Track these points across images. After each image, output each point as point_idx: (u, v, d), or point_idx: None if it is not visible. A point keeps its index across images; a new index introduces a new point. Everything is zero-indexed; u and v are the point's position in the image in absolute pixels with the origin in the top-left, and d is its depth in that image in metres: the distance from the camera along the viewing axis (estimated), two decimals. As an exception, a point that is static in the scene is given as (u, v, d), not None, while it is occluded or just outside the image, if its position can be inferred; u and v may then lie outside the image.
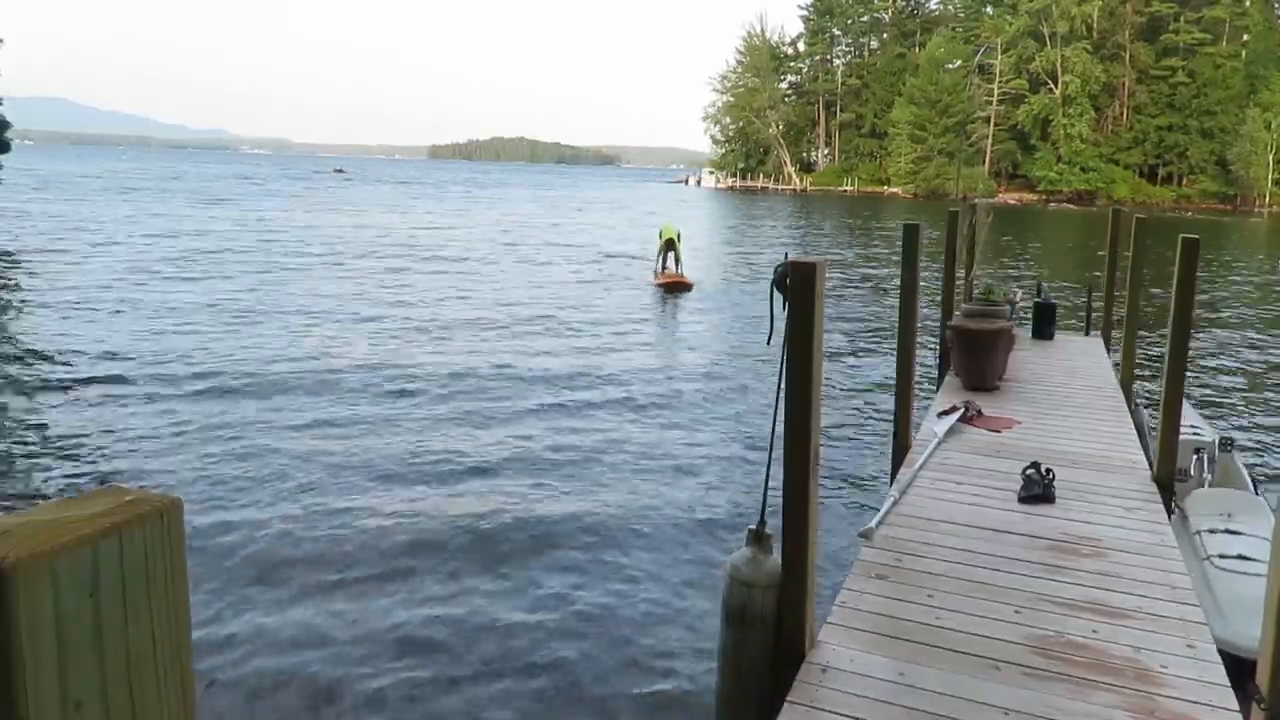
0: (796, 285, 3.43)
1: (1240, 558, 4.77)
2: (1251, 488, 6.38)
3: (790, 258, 3.49)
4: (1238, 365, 13.79)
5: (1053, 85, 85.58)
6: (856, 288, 21.55)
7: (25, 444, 8.13)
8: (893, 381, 7.11)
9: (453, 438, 8.54)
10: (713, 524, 6.86)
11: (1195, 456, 6.36)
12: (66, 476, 7.38)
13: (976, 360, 7.96)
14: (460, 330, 13.71)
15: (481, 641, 5.10)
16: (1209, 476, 6.21)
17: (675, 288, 18.49)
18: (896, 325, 6.95)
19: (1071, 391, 8.05)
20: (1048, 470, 5.51)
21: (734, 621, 3.64)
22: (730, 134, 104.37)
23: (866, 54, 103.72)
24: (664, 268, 19.28)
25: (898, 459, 6.36)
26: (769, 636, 3.59)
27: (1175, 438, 5.87)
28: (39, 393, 9.80)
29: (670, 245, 18.92)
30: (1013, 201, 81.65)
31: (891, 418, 6.85)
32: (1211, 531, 5.10)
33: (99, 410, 9.19)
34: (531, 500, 7.21)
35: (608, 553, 6.29)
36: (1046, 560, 4.48)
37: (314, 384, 10.10)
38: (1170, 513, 5.36)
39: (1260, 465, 8.46)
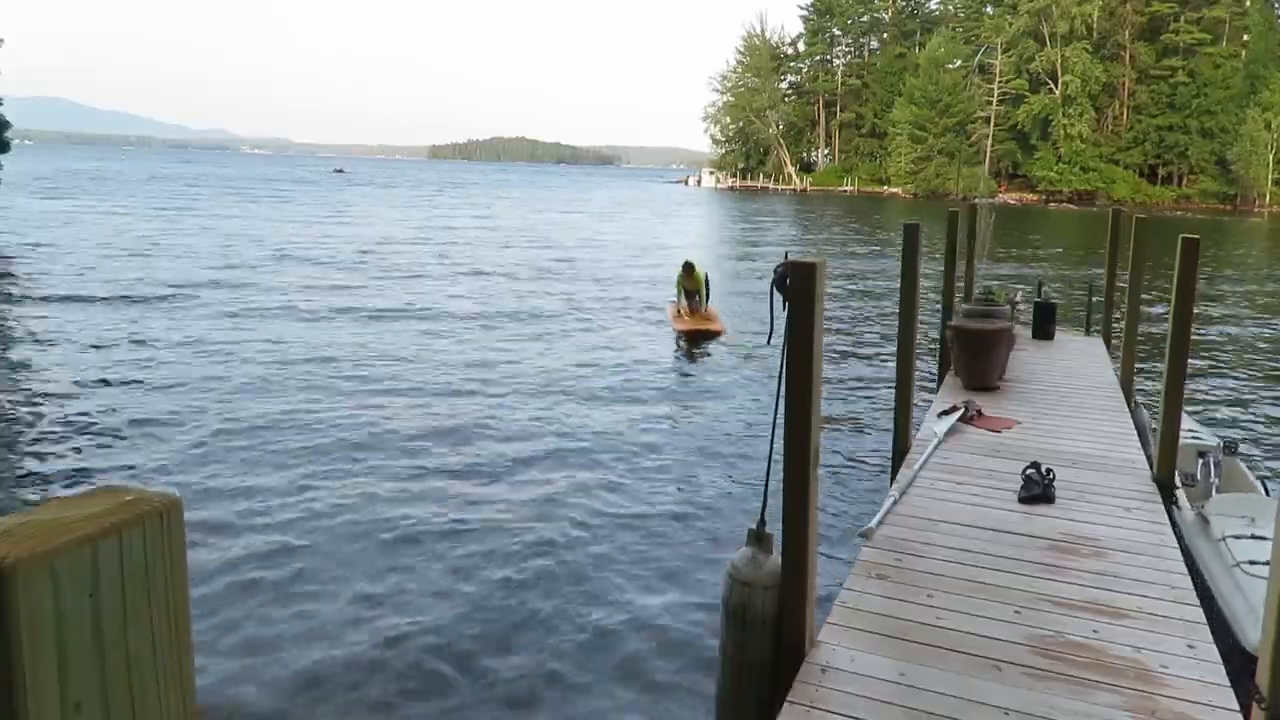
0: (796, 285, 3.43)
1: (1270, 563, 4.76)
2: (1262, 490, 6.36)
3: (790, 257, 3.49)
4: (1237, 365, 13.78)
5: (1053, 85, 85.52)
6: (856, 288, 21.55)
7: (27, 444, 8.14)
8: (892, 381, 7.11)
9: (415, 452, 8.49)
10: (713, 524, 6.86)
11: (1200, 461, 6.35)
12: (65, 474, 7.39)
13: (977, 360, 7.96)
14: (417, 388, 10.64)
15: (482, 641, 5.10)
16: (1215, 481, 6.20)
17: (702, 336, 14.11)
18: (897, 325, 6.95)
19: (1071, 391, 8.05)
20: (1048, 470, 5.51)
21: (734, 621, 3.64)
22: (730, 134, 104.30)
23: (866, 54, 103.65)
24: (689, 305, 14.88)
25: (898, 459, 6.37)
26: (769, 636, 3.59)
27: (1175, 437, 5.87)
28: (38, 393, 9.81)
29: (694, 280, 14.74)
30: (1013, 201, 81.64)
31: (891, 418, 6.86)
32: (1237, 537, 5.09)
33: (97, 415, 9.19)
34: (529, 501, 7.22)
35: (607, 554, 6.29)
36: (1046, 560, 4.48)
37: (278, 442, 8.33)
38: (1170, 513, 5.36)
39: (1261, 466, 8.45)
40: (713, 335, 14.21)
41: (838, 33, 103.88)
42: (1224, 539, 5.12)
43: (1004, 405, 7.45)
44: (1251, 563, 4.80)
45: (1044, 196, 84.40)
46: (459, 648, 5.02)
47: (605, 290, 19.58)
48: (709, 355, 13.15)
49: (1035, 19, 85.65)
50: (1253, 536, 5.05)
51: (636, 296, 18.65)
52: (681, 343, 14.06)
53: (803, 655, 3.54)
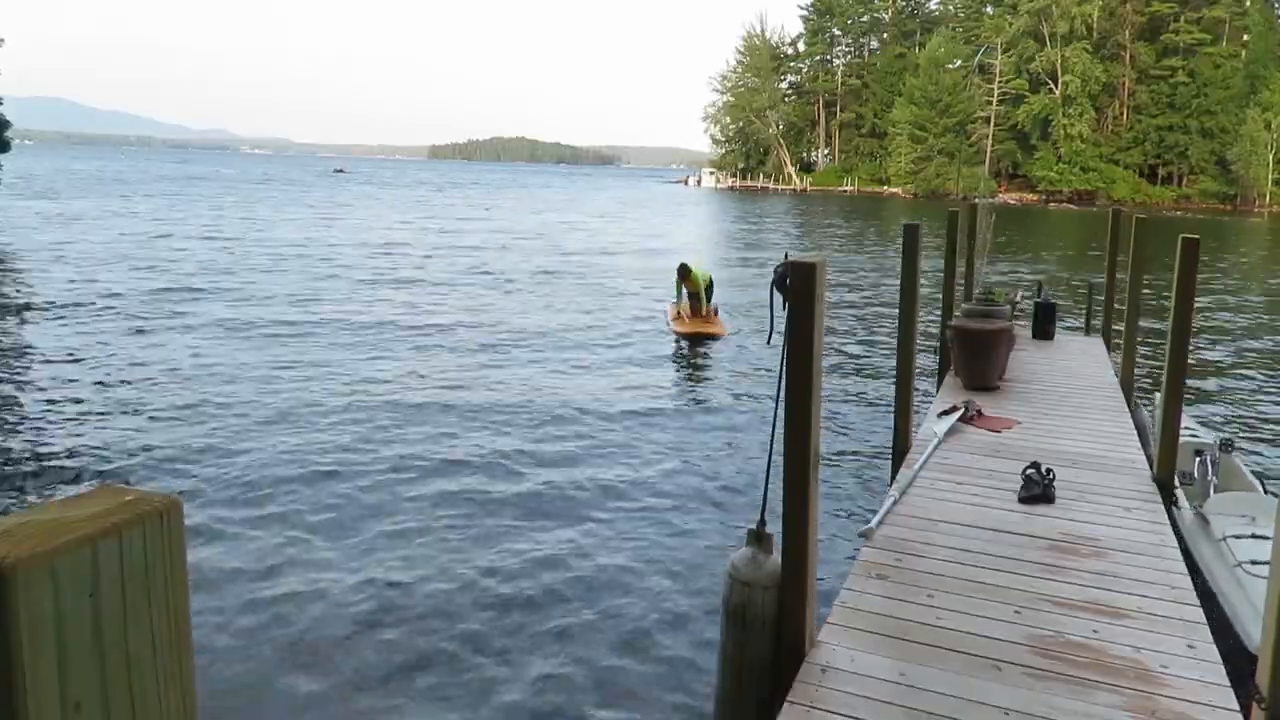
0: (796, 285, 3.43)
1: (1270, 563, 4.76)
2: (1260, 488, 6.36)
3: (790, 257, 3.49)
4: (1236, 365, 13.78)
5: (1053, 85, 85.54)
6: (856, 288, 21.55)
7: (28, 445, 8.14)
8: (892, 381, 7.11)
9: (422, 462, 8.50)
10: (713, 524, 6.86)
11: (1198, 459, 6.34)
12: (62, 474, 7.39)
13: (977, 360, 7.96)
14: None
15: (483, 640, 5.10)
16: (1214, 479, 6.19)
17: (702, 338, 13.97)
18: (896, 325, 6.95)
19: (1071, 391, 8.05)
20: (1048, 470, 5.51)
21: (734, 621, 3.64)
22: (730, 134, 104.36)
23: (866, 54, 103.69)
24: (690, 307, 14.61)
25: (898, 459, 6.37)
26: (769, 636, 3.59)
27: (1175, 437, 5.87)
28: (40, 396, 9.81)
29: (693, 279, 14.44)
30: (1013, 201, 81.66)
31: (891, 418, 6.85)
32: (1238, 537, 5.08)
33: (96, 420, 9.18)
34: (528, 500, 7.22)
35: (604, 553, 6.29)
36: (1046, 560, 4.48)
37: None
38: (1169, 513, 5.35)
39: (1259, 464, 8.44)
40: (713, 337, 14.05)
41: (838, 33, 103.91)
42: (1225, 539, 5.11)
43: (1004, 405, 7.45)
44: (1253, 562, 4.79)
45: (1044, 196, 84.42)
46: (460, 643, 5.02)
47: (605, 292, 19.53)
48: (708, 357, 13.14)
49: (1035, 19, 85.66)
50: (1254, 536, 5.04)
51: (637, 298, 18.59)
52: (681, 345, 13.92)
53: (803, 655, 3.54)
